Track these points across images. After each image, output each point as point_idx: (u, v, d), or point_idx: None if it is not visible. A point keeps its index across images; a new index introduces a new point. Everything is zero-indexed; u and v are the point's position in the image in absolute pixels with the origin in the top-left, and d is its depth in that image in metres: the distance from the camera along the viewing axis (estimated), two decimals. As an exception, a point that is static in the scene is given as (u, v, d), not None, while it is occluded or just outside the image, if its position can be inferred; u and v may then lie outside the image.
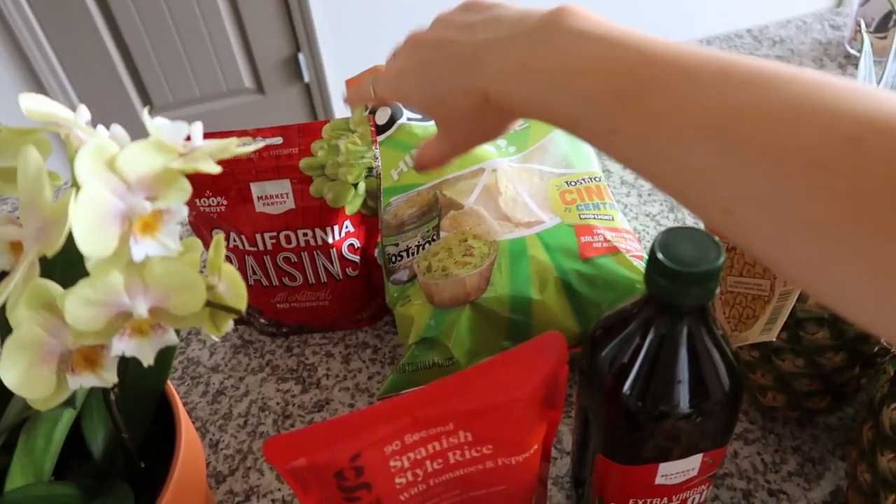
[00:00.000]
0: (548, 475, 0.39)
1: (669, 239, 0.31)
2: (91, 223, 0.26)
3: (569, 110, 0.31)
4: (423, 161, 0.43)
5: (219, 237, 0.32)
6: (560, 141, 0.61)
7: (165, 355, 0.41)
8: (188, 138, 0.30)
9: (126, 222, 0.28)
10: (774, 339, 0.38)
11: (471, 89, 0.35)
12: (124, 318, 0.29)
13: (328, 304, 0.58)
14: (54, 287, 0.29)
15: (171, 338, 0.30)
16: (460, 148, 0.41)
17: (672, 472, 0.37)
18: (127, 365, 0.42)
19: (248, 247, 0.54)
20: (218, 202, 0.52)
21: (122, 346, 0.29)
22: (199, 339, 0.63)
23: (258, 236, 0.53)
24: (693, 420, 0.34)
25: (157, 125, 0.29)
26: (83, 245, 0.26)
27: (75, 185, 0.27)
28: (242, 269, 0.56)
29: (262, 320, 0.60)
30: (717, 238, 0.31)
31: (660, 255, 0.30)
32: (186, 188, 0.30)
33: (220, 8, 1.91)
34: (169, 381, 0.42)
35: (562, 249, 0.52)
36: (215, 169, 0.29)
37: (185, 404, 0.58)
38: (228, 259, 0.56)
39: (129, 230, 0.28)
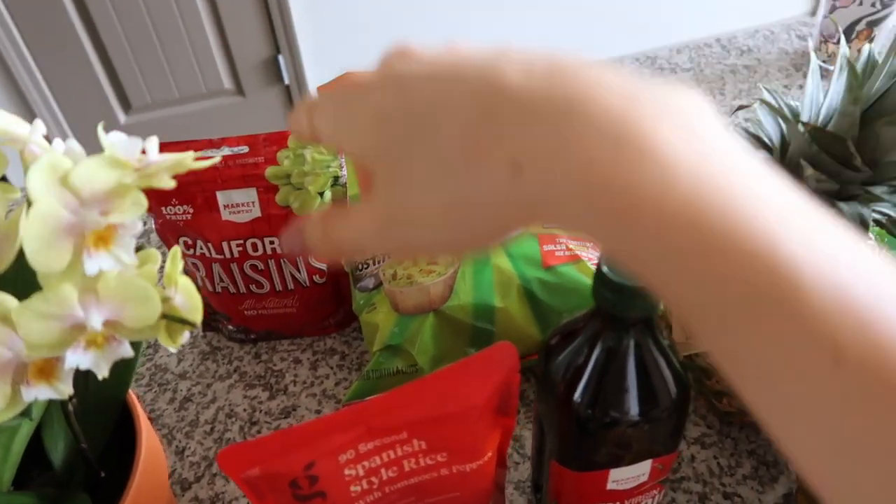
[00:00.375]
0: (504, 481, 0.40)
1: (615, 253, 0.32)
2: (42, 239, 0.27)
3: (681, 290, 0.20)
4: (327, 245, 0.28)
5: (175, 249, 0.33)
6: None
7: (126, 366, 0.42)
8: (143, 152, 0.30)
9: (79, 236, 0.28)
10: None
11: (516, 212, 0.23)
12: (78, 331, 0.30)
13: (296, 311, 0.59)
14: (9, 300, 0.29)
15: (126, 350, 0.31)
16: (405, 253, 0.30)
17: (623, 477, 0.38)
18: (87, 375, 0.43)
19: (214, 255, 0.55)
20: (184, 210, 0.52)
21: (77, 358, 0.30)
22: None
23: (225, 244, 0.54)
24: (641, 427, 0.35)
25: (112, 141, 0.29)
26: (34, 261, 0.27)
27: (28, 200, 0.27)
28: (210, 277, 0.56)
29: (230, 327, 0.61)
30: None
31: (605, 269, 0.31)
32: (141, 202, 0.30)
33: (199, 8, 1.90)
34: (132, 390, 0.42)
35: (524, 258, 0.53)
36: (170, 184, 0.30)
37: (151, 411, 0.58)
38: (195, 266, 0.56)
39: (82, 244, 0.28)
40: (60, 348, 0.30)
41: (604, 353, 0.34)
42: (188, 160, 0.31)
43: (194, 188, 0.52)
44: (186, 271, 0.58)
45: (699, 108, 0.21)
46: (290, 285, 0.57)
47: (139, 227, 0.29)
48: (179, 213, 0.53)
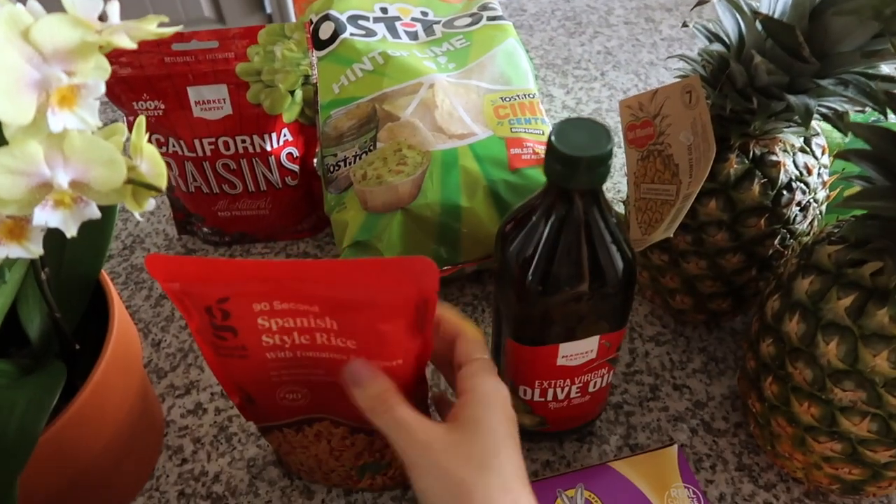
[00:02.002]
0: (427, 398, 0.40)
1: (565, 128, 0.33)
2: (6, 89, 0.28)
3: None
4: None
5: (140, 118, 0.34)
6: (500, 59, 0.62)
7: (99, 242, 0.43)
8: (104, 19, 0.31)
9: (43, 93, 0.29)
10: (672, 236, 0.41)
11: None
12: (45, 190, 0.31)
13: (268, 213, 0.60)
14: (-24, 159, 0.30)
15: (93, 211, 0.32)
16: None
17: (571, 353, 0.40)
18: (62, 251, 0.44)
19: (187, 152, 0.55)
20: (156, 106, 0.53)
21: (45, 216, 0.31)
22: (142, 247, 0.64)
23: (196, 142, 0.54)
24: (587, 301, 0.37)
25: (72, 0, 0.30)
26: (0, 111, 0.27)
27: (-10, 52, 0.28)
28: (182, 176, 0.57)
29: (204, 229, 0.62)
30: (608, 127, 0.33)
31: (554, 141, 0.32)
32: (104, 66, 0.31)
33: (177, -70, 1.84)
34: (105, 273, 0.44)
35: (492, 160, 0.54)
36: (130, 45, 0.30)
37: (128, 307, 0.59)
38: (168, 165, 0.57)
39: (46, 102, 0.29)
40: (28, 206, 0.31)
41: (553, 228, 0.35)
42: (150, 24, 0.32)
43: (165, 83, 0.52)
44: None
45: None
46: (263, 186, 0.58)
47: (102, 89, 0.30)
48: (151, 109, 0.53)
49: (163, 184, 0.34)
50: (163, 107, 0.53)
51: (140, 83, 0.52)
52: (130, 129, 0.57)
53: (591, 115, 0.75)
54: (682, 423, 0.51)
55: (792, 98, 0.39)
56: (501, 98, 0.59)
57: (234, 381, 0.37)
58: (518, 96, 0.59)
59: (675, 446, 0.44)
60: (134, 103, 0.53)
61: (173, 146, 0.55)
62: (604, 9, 0.91)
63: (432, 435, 0.33)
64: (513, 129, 0.56)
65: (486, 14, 0.66)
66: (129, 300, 0.60)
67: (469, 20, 0.65)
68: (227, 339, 0.34)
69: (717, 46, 0.43)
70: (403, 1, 0.65)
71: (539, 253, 0.36)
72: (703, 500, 0.42)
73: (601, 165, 0.32)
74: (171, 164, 0.57)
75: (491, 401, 0.34)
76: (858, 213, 0.38)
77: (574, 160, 0.32)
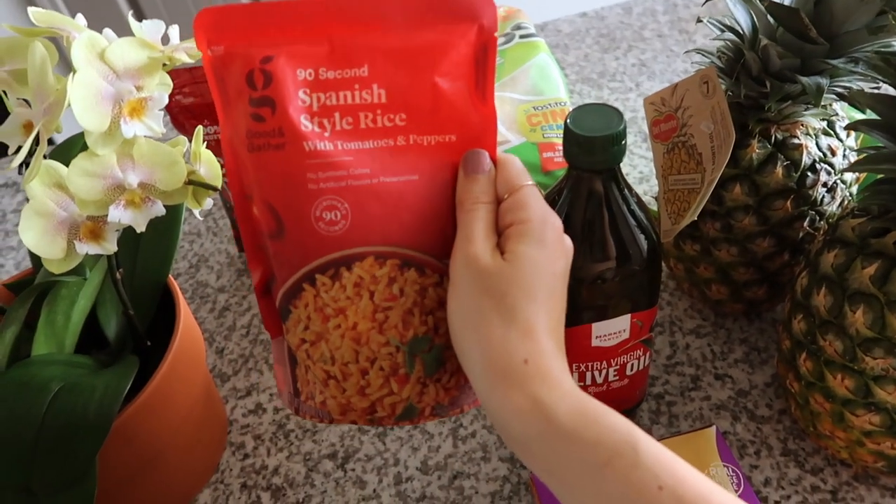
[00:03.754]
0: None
1: (580, 113, 0.36)
2: (86, 101, 0.32)
3: None
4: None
5: (198, 128, 0.38)
6: (532, 73, 0.65)
7: (167, 249, 0.48)
8: (167, 39, 0.36)
9: (116, 105, 0.33)
10: (696, 219, 0.43)
11: None
12: (119, 191, 0.35)
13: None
14: (61, 167, 0.35)
15: (159, 209, 0.36)
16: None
17: (605, 332, 0.42)
18: (136, 257, 0.49)
19: (244, 173, 0.60)
20: (215, 130, 0.58)
21: (118, 214, 0.35)
22: (207, 265, 0.69)
23: (252, 162, 0.59)
24: (615, 279, 0.39)
25: (140, 25, 0.34)
26: (82, 118, 0.32)
27: (72, 71, 0.32)
28: (241, 195, 0.62)
29: (262, 245, 0.66)
30: (619, 109, 0.35)
31: (570, 124, 0.35)
32: (167, 82, 0.36)
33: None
34: (173, 279, 0.48)
35: (525, 164, 0.56)
36: (188, 60, 0.35)
37: (195, 318, 0.64)
38: (227, 185, 0.62)
39: (119, 113, 0.34)
40: (104, 206, 0.35)
41: (576, 208, 0.38)
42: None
43: (223, 109, 0.57)
44: (220, 189, 0.64)
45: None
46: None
47: (165, 101, 0.35)
48: (211, 134, 0.58)
49: (218, 184, 0.38)
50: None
51: (201, 110, 0.57)
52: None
53: (627, 123, 0.77)
54: (724, 411, 0.51)
55: (804, 79, 0.40)
56: (534, 107, 0.62)
57: (264, 196, 0.33)
58: (549, 105, 0.62)
59: (714, 427, 0.45)
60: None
61: (231, 167, 0.60)
62: (637, 24, 0.94)
63: (484, 254, 0.31)
64: (545, 135, 0.59)
65: (518, 33, 0.70)
66: (196, 312, 0.64)
67: (503, 39, 0.69)
68: (264, 121, 0.32)
69: (731, 37, 0.44)
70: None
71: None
72: (743, 478, 0.43)
73: (615, 144, 0.35)
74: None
75: (539, 234, 0.31)
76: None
77: (589, 140, 0.34)
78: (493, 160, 0.34)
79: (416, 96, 0.32)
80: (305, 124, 0.32)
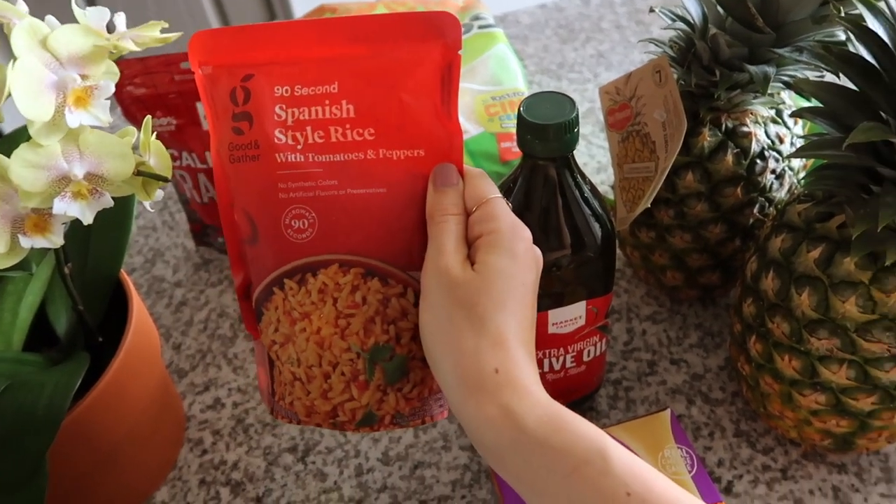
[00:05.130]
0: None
1: (533, 101, 0.36)
2: (28, 90, 0.31)
3: None
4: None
5: (147, 119, 0.37)
6: (490, 63, 0.65)
7: (118, 243, 0.47)
8: (112, 29, 0.35)
9: (60, 94, 0.33)
10: (650, 206, 0.43)
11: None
12: (64, 183, 0.34)
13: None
14: (4, 159, 0.33)
15: (107, 201, 0.35)
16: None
17: (561, 319, 0.42)
18: (87, 252, 0.47)
19: (199, 165, 0.59)
20: (168, 122, 0.57)
21: (64, 206, 0.34)
22: (163, 259, 0.68)
23: (208, 154, 0.58)
24: (570, 266, 0.39)
25: (83, 12, 0.34)
26: (23, 108, 0.31)
27: (13, 59, 0.31)
28: (197, 188, 0.61)
29: (219, 239, 0.66)
30: (572, 98, 0.36)
31: (523, 112, 0.35)
32: (114, 70, 0.35)
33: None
34: (126, 274, 0.47)
35: (484, 154, 0.57)
36: (135, 48, 0.34)
37: (150, 314, 0.63)
38: (182, 178, 0.61)
39: (63, 102, 0.33)
40: (49, 198, 0.34)
41: (531, 197, 0.38)
42: (153, 31, 0.35)
43: (176, 100, 0.56)
44: (175, 183, 0.63)
45: None
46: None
47: (112, 89, 0.34)
48: (164, 125, 0.57)
49: (168, 174, 0.37)
50: (175, 122, 0.57)
51: (153, 101, 0.56)
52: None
53: (586, 113, 0.78)
54: (679, 394, 0.52)
55: (752, 68, 0.41)
56: (492, 97, 0.62)
57: (242, 204, 0.35)
58: (508, 95, 0.62)
59: (668, 410, 0.45)
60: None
61: (186, 159, 0.59)
62: (596, 15, 0.94)
63: (455, 265, 0.31)
64: (503, 125, 0.59)
65: (477, 24, 0.70)
66: (152, 307, 0.63)
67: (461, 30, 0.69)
68: (243, 134, 0.34)
69: (682, 26, 0.45)
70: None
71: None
72: (697, 460, 0.44)
73: (568, 132, 0.35)
74: (186, 177, 0.60)
75: (509, 244, 0.31)
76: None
77: (542, 128, 0.35)
78: (461, 174, 0.34)
79: (383, 112, 0.33)
80: (279, 137, 0.34)
